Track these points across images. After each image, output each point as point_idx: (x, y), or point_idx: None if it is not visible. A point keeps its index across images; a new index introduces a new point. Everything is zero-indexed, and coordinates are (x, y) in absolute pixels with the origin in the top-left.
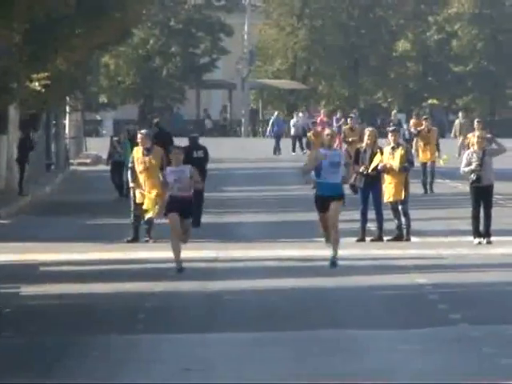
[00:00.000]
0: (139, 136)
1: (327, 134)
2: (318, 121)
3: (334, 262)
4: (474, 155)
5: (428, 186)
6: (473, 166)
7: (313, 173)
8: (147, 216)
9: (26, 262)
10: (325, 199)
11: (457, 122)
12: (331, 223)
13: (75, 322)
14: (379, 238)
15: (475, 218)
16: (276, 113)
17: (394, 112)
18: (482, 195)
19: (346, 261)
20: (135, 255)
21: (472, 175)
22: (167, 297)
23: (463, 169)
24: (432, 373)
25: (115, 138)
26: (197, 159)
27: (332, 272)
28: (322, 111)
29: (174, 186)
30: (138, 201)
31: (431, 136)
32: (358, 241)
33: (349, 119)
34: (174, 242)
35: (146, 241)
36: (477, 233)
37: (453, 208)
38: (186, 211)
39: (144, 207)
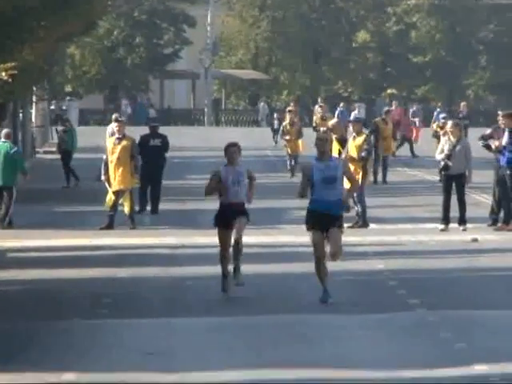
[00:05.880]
0: (117, 124)
1: (319, 139)
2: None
3: (326, 297)
4: (448, 143)
5: (382, 178)
6: (443, 155)
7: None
8: (126, 211)
9: None
10: (319, 215)
11: (316, 109)
12: (332, 252)
13: (39, 307)
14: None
15: (444, 204)
16: (342, 104)
17: (463, 104)
18: (452, 183)
19: (307, 247)
20: (100, 241)
21: (441, 163)
22: (130, 282)
23: (437, 156)
24: (388, 358)
25: (60, 128)
26: (153, 147)
27: (293, 258)
28: (393, 103)
29: (231, 190)
30: (112, 190)
31: (389, 129)
32: None
33: (318, 107)
34: (222, 258)
35: (131, 228)
36: (444, 220)
37: (411, 196)
38: (238, 215)
39: (117, 201)
